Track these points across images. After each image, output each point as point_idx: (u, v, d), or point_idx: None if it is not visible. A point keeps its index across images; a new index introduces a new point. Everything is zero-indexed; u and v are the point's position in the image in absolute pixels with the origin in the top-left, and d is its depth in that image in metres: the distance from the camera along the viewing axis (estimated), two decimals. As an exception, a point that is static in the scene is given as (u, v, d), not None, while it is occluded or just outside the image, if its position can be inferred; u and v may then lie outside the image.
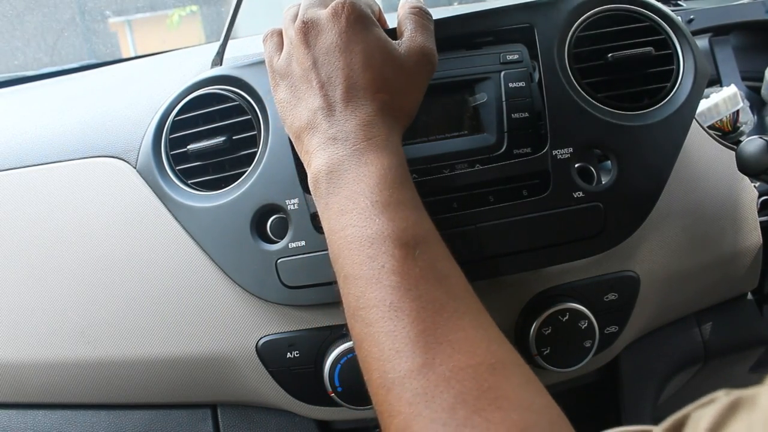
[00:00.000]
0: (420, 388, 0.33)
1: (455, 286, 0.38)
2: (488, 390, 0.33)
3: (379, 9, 0.48)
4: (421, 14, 0.47)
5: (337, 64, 0.42)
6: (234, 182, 0.53)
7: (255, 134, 0.54)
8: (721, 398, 0.24)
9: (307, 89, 0.43)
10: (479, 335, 0.36)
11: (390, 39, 0.45)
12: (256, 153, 0.53)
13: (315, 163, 0.42)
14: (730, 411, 0.23)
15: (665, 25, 0.57)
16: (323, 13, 0.44)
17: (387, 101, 0.42)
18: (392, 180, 0.39)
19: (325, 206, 0.41)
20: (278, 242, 0.51)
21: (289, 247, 0.51)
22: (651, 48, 0.55)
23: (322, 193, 0.41)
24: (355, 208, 0.39)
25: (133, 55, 1.11)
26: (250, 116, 0.54)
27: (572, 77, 0.55)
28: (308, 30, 0.43)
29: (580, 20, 0.56)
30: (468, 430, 0.31)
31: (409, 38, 0.45)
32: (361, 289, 0.38)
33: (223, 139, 0.53)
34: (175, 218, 0.54)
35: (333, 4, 0.43)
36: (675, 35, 0.57)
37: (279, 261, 0.51)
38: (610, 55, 0.55)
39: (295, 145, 0.45)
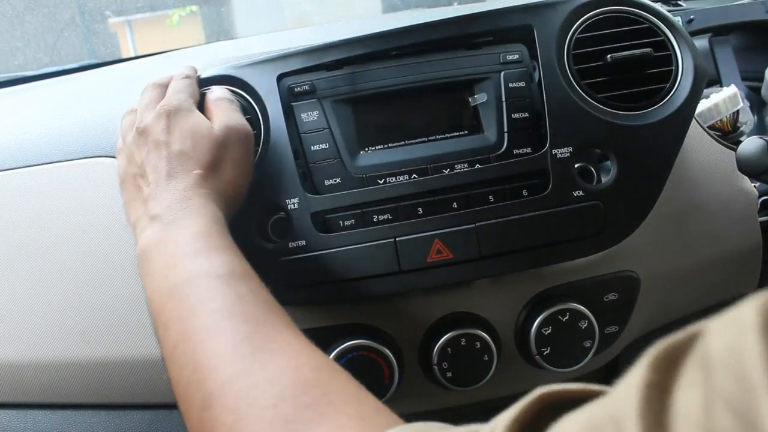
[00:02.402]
0: (241, 391, 0.33)
1: (274, 307, 0.39)
2: (314, 387, 0.32)
3: (204, 96, 0.53)
4: (223, 100, 0.52)
5: (160, 155, 0.46)
6: (234, 182, 0.53)
7: (255, 134, 0.54)
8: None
9: (141, 184, 0.47)
10: (300, 344, 0.36)
11: (208, 121, 0.49)
12: (256, 152, 0.53)
13: (138, 243, 0.44)
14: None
15: (663, 26, 0.57)
16: (150, 118, 0.48)
17: (202, 175, 0.46)
18: (207, 233, 0.42)
19: (147, 276, 0.43)
20: (278, 242, 0.51)
21: (290, 246, 0.51)
22: (650, 49, 0.56)
23: (145, 269, 0.43)
24: (171, 263, 0.41)
25: (133, 55, 1.11)
26: (250, 116, 0.54)
27: (572, 78, 0.55)
28: (141, 134, 0.48)
29: (579, 22, 0.56)
30: (298, 425, 0.31)
31: (219, 119, 0.49)
32: (180, 327, 0.38)
33: (223, 138, 0.53)
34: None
35: (157, 107, 0.49)
36: (673, 36, 0.57)
37: (279, 261, 0.51)
38: (609, 56, 0.55)
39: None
